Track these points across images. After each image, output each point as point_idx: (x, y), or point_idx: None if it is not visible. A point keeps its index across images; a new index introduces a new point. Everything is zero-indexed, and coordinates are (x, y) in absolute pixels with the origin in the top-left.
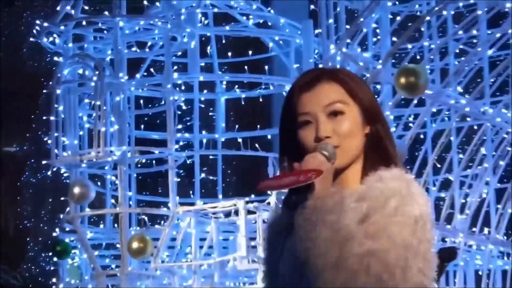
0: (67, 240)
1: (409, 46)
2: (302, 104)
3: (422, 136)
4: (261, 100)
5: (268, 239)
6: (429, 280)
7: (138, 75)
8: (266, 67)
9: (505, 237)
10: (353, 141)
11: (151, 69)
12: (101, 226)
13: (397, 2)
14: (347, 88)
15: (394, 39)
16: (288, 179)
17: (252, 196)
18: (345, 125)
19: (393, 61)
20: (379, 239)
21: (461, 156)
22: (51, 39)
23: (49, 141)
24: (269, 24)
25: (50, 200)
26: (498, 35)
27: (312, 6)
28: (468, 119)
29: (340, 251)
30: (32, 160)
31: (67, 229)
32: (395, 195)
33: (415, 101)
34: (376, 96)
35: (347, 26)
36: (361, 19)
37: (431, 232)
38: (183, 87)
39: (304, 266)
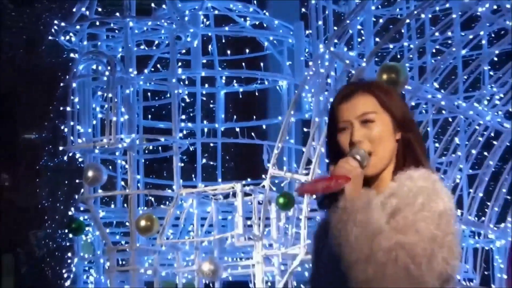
0: (81, 218)
1: (391, 46)
2: (341, 113)
3: None
4: (257, 93)
5: (316, 237)
6: (453, 269)
7: (146, 71)
8: (262, 64)
9: (476, 218)
10: (385, 146)
11: (158, 65)
12: (112, 206)
13: (379, 6)
14: (380, 100)
15: (377, 39)
16: (322, 185)
17: (248, 179)
18: (376, 131)
19: (376, 59)
20: (407, 233)
21: (437, 145)
22: (67, 37)
23: (65, 129)
24: (264, 25)
25: (66, 182)
26: (470, 36)
27: (303, 9)
28: (443, 112)
29: (369, 246)
30: (50, 146)
31: (82, 208)
32: (422, 193)
33: None
34: (409, 109)
35: (335, 28)
36: (347, 21)
37: (455, 225)
38: (186, 82)
39: (338, 261)
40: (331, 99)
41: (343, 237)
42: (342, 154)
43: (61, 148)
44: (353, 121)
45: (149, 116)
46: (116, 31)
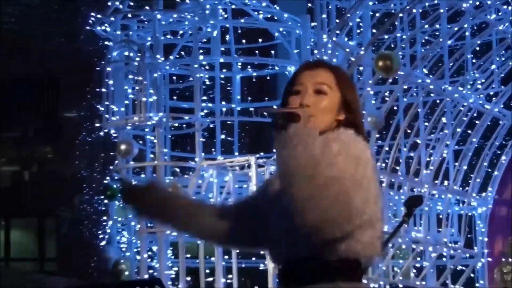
0: (115, 186)
1: (386, 36)
2: (300, 77)
3: (395, 108)
4: (268, 78)
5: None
6: (371, 211)
7: (171, 57)
8: (273, 52)
9: (461, 188)
10: (324, 118)
11: (182, 52)
12: (142, 175)
13: (376, 2)
14: (337, 79)
15: (374, 31)
16: (284, 110)
17: (261, 153)
18: (324, 103)
19: (373, 48)
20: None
21: (426, 124)
22: (103, 28)
23: (101, 109)
24: (275, 18)
25: (102, 155)
26: (456, 28)
27: (309, 4)
28: (432, 94)
29: (313, 169)
30: (88, 124)
31: (115, 177)
32: (343, 142)
33: (390, 80)
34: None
35: (337, 20)
36: (348, 15)
37: (373, 173)
38: (207, 67)
39: (286, 174)
40: None
41: (292, 156)
42: None
43: (97, 125)
44: (308, 86)
45: (174, 97)
46: (146, 22)
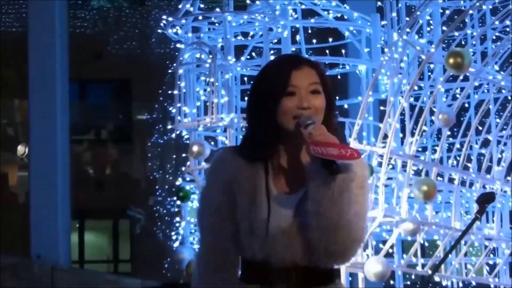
0: (187, 187)
1: (456, 33)
2: (291, 78)
3: (466, 105)
4: (339, 77)
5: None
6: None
7: (242, 58)
8: (343, 51)
9: None
10: (321, 118)
11: (253, 53)
12: None
13: None
14: (321, 77)
15: (444, 28)
16: (336, 152)
17: None
18: (319, 102)
19: (443, 45)
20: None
21: (497, 120)
22: (174, 30)
23: (173, 110)
24: (345, 17)
25: (174, 156)
26: None
27: (379, 3)
28: (503, 91)
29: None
30: (160, 125)
31: (188, 179)
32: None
33: (461, 77)
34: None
35: (407, 19)
36: (418, 13)
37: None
38: None
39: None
40: (404, 81)
41: (339, 200)
42: (277, 118)
43: (169, 126)
44: (303, 88)
45: (246, 98)
46: (216, 24)
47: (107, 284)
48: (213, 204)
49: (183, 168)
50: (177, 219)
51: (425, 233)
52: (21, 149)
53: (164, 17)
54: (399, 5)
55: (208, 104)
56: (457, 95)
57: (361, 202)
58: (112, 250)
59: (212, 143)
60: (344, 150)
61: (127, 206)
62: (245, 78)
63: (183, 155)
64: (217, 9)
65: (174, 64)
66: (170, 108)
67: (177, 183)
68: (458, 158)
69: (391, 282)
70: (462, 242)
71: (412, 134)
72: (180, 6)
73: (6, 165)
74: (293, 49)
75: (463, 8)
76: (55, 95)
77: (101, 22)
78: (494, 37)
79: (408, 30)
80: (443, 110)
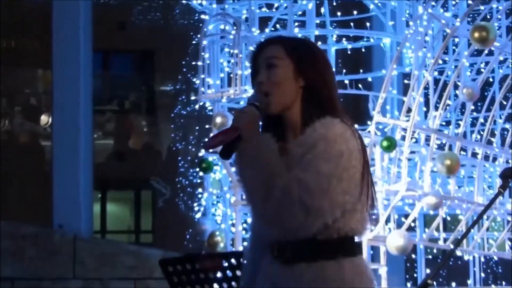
0: (210, 158)
1: (481, 7)
2: (257, 59)
3: (491, 80)
4: (363, 50)
5: None
6: (354, 197)
7: (267, 30)
8: (368, 24)
9: None
10: (283, 88)
11: (277, 25)
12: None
13: None
14: (285, 47)
15: (469, 2)
16: (218, 140)
17: (356, 125)
18: (275, 75)
19: (468, 19)
20: (306, 171)
21: None
22: (199, 1)
23: (197, 82)
24: None
25: (197, 128)
26: None
27: None
28: None
29: (266, 186)
30: (183, 97)
31: (210, 150)
32: (323, 139)
33: (486, 51)
34: (318, 55)
35: None
36: None
37: (354, 157)
38: None
39: (247, 200)
40: (429, 55)
41: (242, 180)
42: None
43: (193, 98)
44: (261, 65)
45: None
46: None
47: (128, 254)
48: None
49: (206, 140)
50: (200, 190)
51: (447, 207)
52: (44, 118)
53: None
54: None
55: (231, 75)
56: (482, 70)
57: (314, 167)
58: (134, 220)
59: None
60: (227, 136)
61: (149, 177)
62: None
63: (206, 126)
64: None
65: (198, 35)
66: (194, 79)
67: (200, 154)
68: (481, 133)
69: (413, 256)
70: (485, 217)
71: (436, 108)
72: None
73: (29, 134)
74: (317, 21)
75: None
76: (79, 65)
77: None
78: None
79: (433, 3)
80: (467, 84)
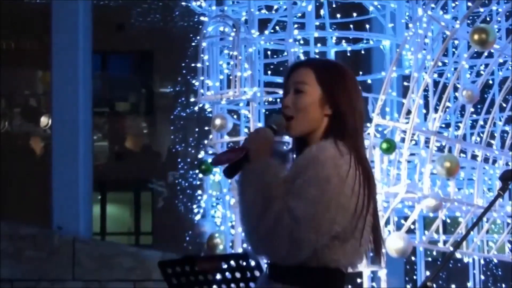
0: (209, 160)
1: (481, 9)
2: (286, 79)
3: (490, 82)
4: (363, 52)
5: None
6: (341, 225)
7: (266, 32)
8: (367, 26)
9: None
10: (307, 114)
11: (277, 27)
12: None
13: None
14: (317, 74)
15: (469, 4)
16: (226, 157)
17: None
18: (301, 101)
19: (468, 21)
20: (295, 198)
21: None
22: (198, 3)
23: (196, 83)
24: None
25: (196, 129)
26: None
27: None
28: None
29: (262, 208)
30: (183, 99)
31: (210, 152)
32: (312, 162)
33: (485, 54)
34: (347, 85)
35: None
36: None
37: (347, 185)
38: (301, 41)
39: (241, 220)
40: (428, 57)
41: (241, 201)
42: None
43: (192, 99)
44: (291, 87)
45: (269, 71)
46: None
47: (127, 256)
48: None
49: (206, 141)
50: (199, 192)
51: (447, 209)
52: (44, 120)
53: None
54: None
55: (231, 77)
56: (481, 72)
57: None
58: (134, 222)
59: (235, 116)
60: (236, 155)
61: (149, 179)
62: (269, 52)
63: (206, 128)
64: None
65: (198, 37)
66: (193, 81)
67: (199, 156)
68: (481, 135)
69: (413, 258)
70: (484, 219)
71: (436, 110)
72: None
73: (29, 136)
74: (317, 23)
75: None
76: (78, 66)
77: None
78: None
79: (433, 5)
80: (467, 87)
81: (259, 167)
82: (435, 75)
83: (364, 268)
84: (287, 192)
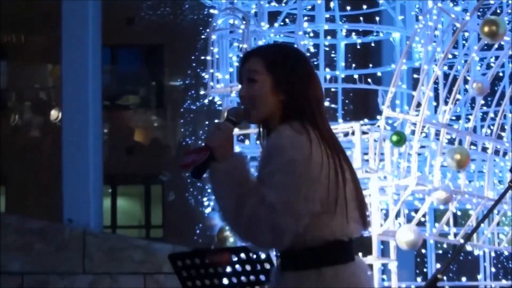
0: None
1: (491, 1)
2: (241, 70)
3: (501, 74)
4: (372, 44)
5: None
6: (316, 203)
7: (276, 24)
8: (377, 19)
9: None
10: (263, 103)
11: (286, 20)
12: (247, 142)
13: None
14: (265, 61)
15: None
16: (191, 160)
17: (365, 120)
18: (254, 90)
19: (478, 13)
20: (266, 186)
21: None
22: None
23: (206, 76)
24: None
25: (206, 122)
26: None
27: None
28: None
29: (237, 206)
30: (192, 92)
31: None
32: (274, 149)
33: (495, 46)
34: (298, 67)
35: None
36: None
37: (313, 161)
38: (311, 34)
39: (220, 218)
40: (438, 49)
41: (215, 198)
42: None
43: (202, 92)
44: (244, 78)
45: None
46: None
47: (137, 249)
48: None
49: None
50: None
51: (457, 202)
52: (54, 113)
53: None
54: None
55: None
56: (492, 64)
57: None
58: (144, 215)
59: None
60: (200, 156)
61: (159, 172)
62: None
63: (216, 121)
64: None
65: (207, 30)
66: (203, 74)
67: None
68: (491, 127)
69: (423, 251)
70: (495, 211)
71: (446, 103)
72: None
73: (38, 129)
74: (327, 15)
75: None
76: (87, 60)
77: None
78: None
79: None
80: (477, 79)
81: (227, 166)
82: (445, 68)
83: (374, 260)
84: (259, 184)
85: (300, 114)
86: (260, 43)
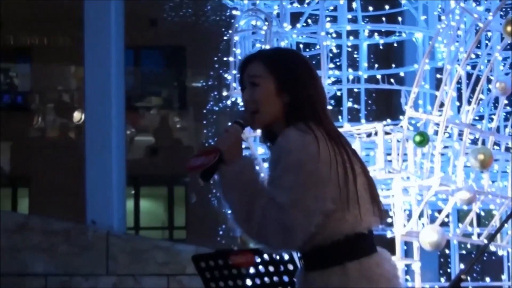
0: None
1: None
2: (243, 76)
3: None
4: (395, 44)
5: None
6: (327, 201)
7: (298, 25)
8: (400, 19)
9: None
10: (267, 106)
11: (309, 20)
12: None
13: None
14: (266, 65)
15: None
16: (199, 163)
17: (388, 120)
18: (258, 94)
19: (501, 13)
20: (276, 188)
21: None
22: None
23: (228, 77)
24: None
25: (229, 123)
26: None
27: None
28: None
29: (247, 209)
30: (215, 93)
31: (243, 146)
32: (281, 151)
33: None
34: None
35: None
36: None
37: (321, 160)
38: (334, 35)
39: (232, 221)
40: (461, 49)
41: (225, 202)
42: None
43: (224, 93)
44: (246, 83)
45: None
46: None
47: (160, 251)
48: None
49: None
50: None
51: (481, 202)
52: (77, 115)
53: None
54: None
55: None
56: None
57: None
58: (167, 217)
59: None
60: (208, 159)
61: (182, 173)
62: (301, 46)
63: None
64: None
65: (230, 31)
66: (225, 75)
67: None
68: None
69: (446, 251)
70: None
71: (469, 103)
72: None
73: (61, 131)
74: (349, 16)
75: None
76: (110, 62)
77: None
78: None
79: None
80: (500, 79)
81: (236, 169)
82: (468, 67)
83: (398, 261)
84: (268, 187)
85: (304, 115)
86: (283, 44)
